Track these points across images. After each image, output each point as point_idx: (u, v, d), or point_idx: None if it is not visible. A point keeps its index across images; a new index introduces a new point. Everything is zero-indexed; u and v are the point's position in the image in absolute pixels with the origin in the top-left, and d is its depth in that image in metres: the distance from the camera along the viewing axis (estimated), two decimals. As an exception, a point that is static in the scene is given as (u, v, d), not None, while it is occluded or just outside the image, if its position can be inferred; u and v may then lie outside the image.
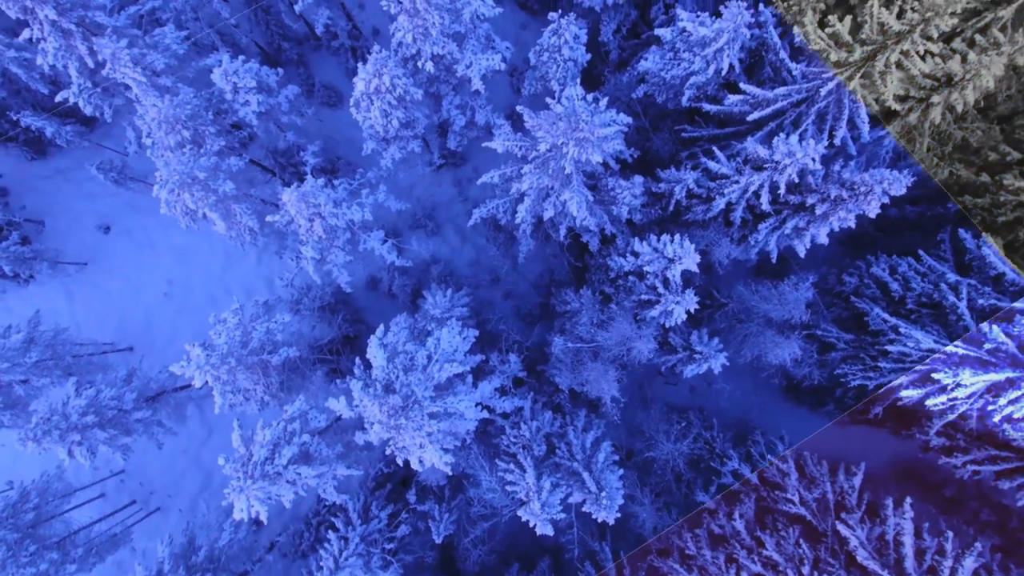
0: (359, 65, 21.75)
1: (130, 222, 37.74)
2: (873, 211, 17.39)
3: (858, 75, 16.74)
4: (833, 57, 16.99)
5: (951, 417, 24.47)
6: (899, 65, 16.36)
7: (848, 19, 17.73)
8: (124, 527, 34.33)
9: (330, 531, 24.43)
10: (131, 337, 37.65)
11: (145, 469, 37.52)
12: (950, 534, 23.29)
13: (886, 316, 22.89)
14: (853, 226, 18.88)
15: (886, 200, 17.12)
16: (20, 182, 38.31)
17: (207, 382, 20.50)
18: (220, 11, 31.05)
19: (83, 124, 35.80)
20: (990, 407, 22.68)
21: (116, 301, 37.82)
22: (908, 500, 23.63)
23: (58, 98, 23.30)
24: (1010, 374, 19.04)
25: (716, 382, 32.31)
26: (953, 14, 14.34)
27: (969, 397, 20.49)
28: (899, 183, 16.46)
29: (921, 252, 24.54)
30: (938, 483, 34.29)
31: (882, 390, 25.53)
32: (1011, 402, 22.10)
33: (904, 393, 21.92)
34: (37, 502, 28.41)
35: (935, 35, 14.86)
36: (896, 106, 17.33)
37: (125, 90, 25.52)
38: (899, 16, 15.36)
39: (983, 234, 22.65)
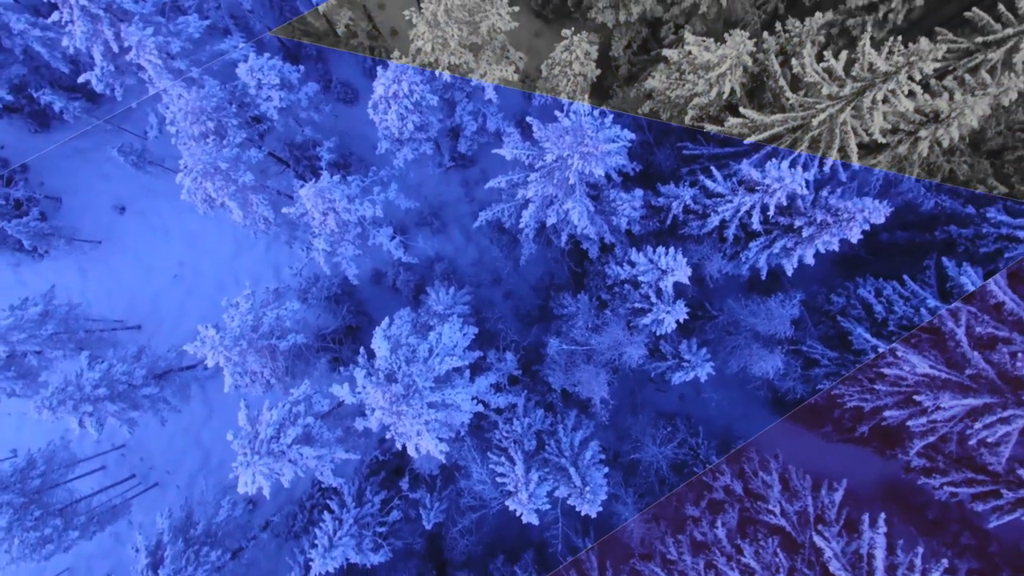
0: (378, 69, 22.85)
1: (145, 204, 38.81)
2: (855, 237, 18.46)
3: (849, 108, 17.81)
4: (825, 90, 18.05)
5: (931, 439, 25.52)
6: (886, 101, 17.42)
7: (844, 54, 18.78)
8: (124, 499, 35.39)
9: (325, 512, 25.50)
10: (140, 316, 38.72)
11: (146, 445, 38.57)
12: (920, 550, 24.30)
13: (867, 336, 23.95)
14: (837, 249, 19.95)
15: (867, 227, 18.20)
16: (40, 159, 39.37)
17: (219, 362, 21.55)
18: (242, 2, 32.14)
19: (106, 106, 36.84)
20: (968, 431, 23.74)
21: (127, 280, 38.89)
22: (882, 515, 24.61)
23: (81, 79, 24.24)
24: (988, 400, 20.08)
25: (704, 391, 33.40)
26: (935, 59, 15.42)
27: (950, 420, 21.51)
28: (878, 212, 17.53)
29: (906, 277, 25.60)
30: (921, 505, 35.23)
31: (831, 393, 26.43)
32: (986, 427, 23.19)
33: (887, 413, 22.99)
34: (43, 469, 29.49)
35: (918, 77, 15.94)
36: (882, 140, 18.39)
37: (151, 81, 26.62)
38: (887, 57, 16.43)
39: (964, 263, 23.72)
